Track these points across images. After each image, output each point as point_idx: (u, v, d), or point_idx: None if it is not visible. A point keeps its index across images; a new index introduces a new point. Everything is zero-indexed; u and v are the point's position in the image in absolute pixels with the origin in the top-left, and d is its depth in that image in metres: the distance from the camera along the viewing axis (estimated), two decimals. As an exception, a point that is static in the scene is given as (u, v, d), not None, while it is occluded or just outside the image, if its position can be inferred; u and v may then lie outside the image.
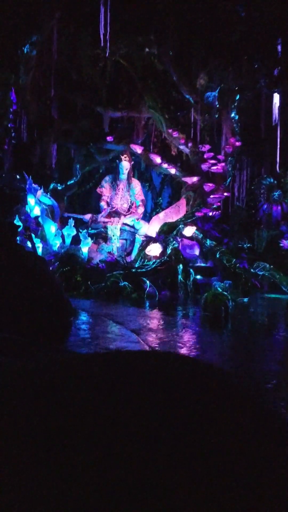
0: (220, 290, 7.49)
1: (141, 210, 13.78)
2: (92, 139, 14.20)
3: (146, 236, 12.68)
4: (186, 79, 10.75)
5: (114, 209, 13.54)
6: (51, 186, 13.80)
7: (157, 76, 13.03)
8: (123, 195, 13.62)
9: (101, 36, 9.02)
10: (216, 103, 10.81)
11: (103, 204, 13.75)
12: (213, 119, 11.72)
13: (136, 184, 14.07)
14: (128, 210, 13.79)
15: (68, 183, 14.30)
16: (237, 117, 11.83)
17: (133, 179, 14.12)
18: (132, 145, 14.13)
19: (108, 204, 13.71)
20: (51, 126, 13.60)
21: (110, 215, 13.45)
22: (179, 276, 9.97)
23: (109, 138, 14.15)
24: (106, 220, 13.06)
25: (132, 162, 13.86)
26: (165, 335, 6.22)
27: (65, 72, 12.61)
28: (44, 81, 12.59)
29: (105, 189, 13.84)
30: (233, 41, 9.60)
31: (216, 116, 11.37)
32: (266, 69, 9.64)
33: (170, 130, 13.22)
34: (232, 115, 11.77)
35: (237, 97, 11.28)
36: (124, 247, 13.07)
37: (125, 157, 13.50)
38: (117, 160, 13.95)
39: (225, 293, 7.48)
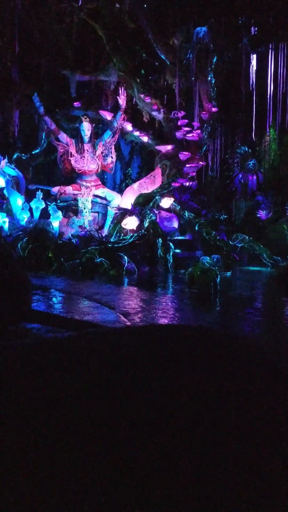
0: (207, 265, 7.01)
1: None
2: (58, 105, 13.22)
3: (119, 208, 12.01)
4: (162, 37, 9.94)
5: (81, 171, 12.67)
6: (15, 155, 12.84)
7: (127, 37, 12.15)
8: (90, 157, 12.72)
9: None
10: (193, 65, 10.08)
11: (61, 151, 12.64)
12: (189, 82, 11.01)
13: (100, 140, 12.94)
14: (110, 170, 13.05)
15: (33, 153, 13.34)
16: (213, 80, 11.16)
17: (96, 139, 13.05)
18: (101, 111, 13.26)
19: (72, 167, 12.72)
20: (13, 90, 12.52)
21: (79, 185, 12.64)
22: (159, 251, 9.43)
23: (76, 104, 13.23)
24: (76, 192, 12.27)
25: (94, 125, 12.91)
26: (156, 315, 5.70)
27: (27, 31, 11.51)
28: (4, 40, 11.47)
29: (69, 140, 12.69)
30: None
31: (193, 79, 10.65)
32: (251, 25, 8.98)
33: (141, 95, 12.44)
34: (209, 78, 11.09)
35: (215, 58, 10.59)
36: (96, 221, 12.36)
37: (85, 118, 12.59)
38: (77, 124, 12.99)
39: (213, 268, 7.00)
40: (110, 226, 11.92)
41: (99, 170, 12.86)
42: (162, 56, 10.46)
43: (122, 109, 12.21)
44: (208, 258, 7.44)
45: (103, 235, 10.73)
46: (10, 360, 0.69)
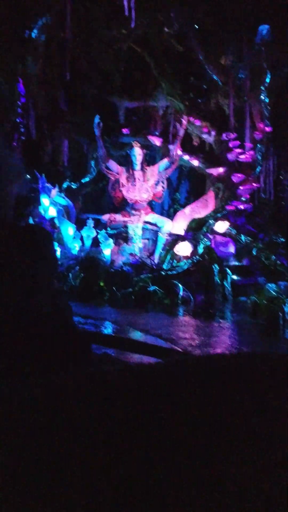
0: (274, 293, 6.44)
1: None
2: (106, 132, 13.15)
3: (170, 234, 11.63)
4: (213, 57, 9.66)
5: (133, 201, 12.38)
6: (65, 184, 12.78)
7: (175, 60, 11.99)
8: (141, 185, 12.42)
9: (125, 3, 7.92)
10: (248, 83, 9.70)
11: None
12: (242, 102, 10.63)
13: (154, 168, 12.59)
14: (159, 200, 12.72)
15: (83, 181, 13.26)
16: (267, 99, 10.73)
17: (147, 166, 12.69)
18: (150, 137, 13.07)
19: (122, 197, 12.45)
20: (61, 119, 12.58)
21: (128, 212, 12.37)
22: (215, 278, 8.91)
23: (125, 131, 13.11)
24: (125, 219, 12.00)
25: (145, 151, 12.64)
26: (221, 351, 5.18)
27: (75, 59, 11.56)
28: (53, 70, 11.56)
29: (119, 169, 12.43)
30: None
31: (245, 98, 10.27)
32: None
33: (191, 118, 12.17)
34: (262, 97, 10.67)
35: (268, 76, 10.18)
36: (146, 247, 12.00)
37: (136, 143, 12.33)
38: (127, 150, 12.75)
39: (281, 296, 6.42)
40: (161, 252, 11.54)
41: (150, 198, 12.54)
42: (214, 77, 10.15)
43: (179, 138, 11.91)
44: (275, 285, 6.87)
45: (155, 262, 10.34)
46: (102, 387, 0.65)
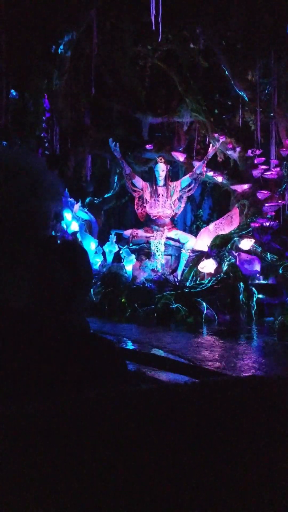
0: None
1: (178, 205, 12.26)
2: (130, 148, 13.11)
3: (193, 250, 11.41)
4: (240, 73, 9.54)
5: (156, 216, 12.22)
6: (88, 199, 12.75)
7: (200, 77, 11.93)
8: (165, 201, 12.26)
9: (152, 18, 7.88)
10: (276, 99, 9.53)
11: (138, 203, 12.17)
12: (268, 118, 10.45)
13: (177, 185, 12.43)
14: (174, 217, 12.47)
15: (105, 196, 13.21)
16: (294, 115, 10.53)
17: (171, 182, 12.51)
18: (174, 153, 12.99)
19: (146, 213, 12.30)
20: (85, 135, 12.60)
21: (151, 227, 12.21)
22: (241, 296, 8.63)
23: (148, 146, 13.05)
24: (148, 234, 11.84)
25: (169, 166, 12.48)
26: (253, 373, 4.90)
27: (99, 75, 11.60)
28: (78, 86, 11.61)
29: (144, 185, 12.26)
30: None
31: (271, 114, 10.09)
32: None
33: (216, 135, 12.03)
34: (289, 113, 10.47)
35: (296, 92, 10.00)
36: (169, 264, 11.80)
37: (161, 159, 12.18)
38: (151, 165, 12.61)
39: (312, 318, 6.13)
40: (184, 269, 11.32)
41: (173, 214, 12.37)
42: (241, 93, 10.01)
43: (207, 158, 11.76)
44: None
45: (177, 278, 10.11)
46: (140, 405, 0.62)
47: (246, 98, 10.07)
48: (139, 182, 12.26)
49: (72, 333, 0.85)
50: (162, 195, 12.24)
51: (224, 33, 8.80)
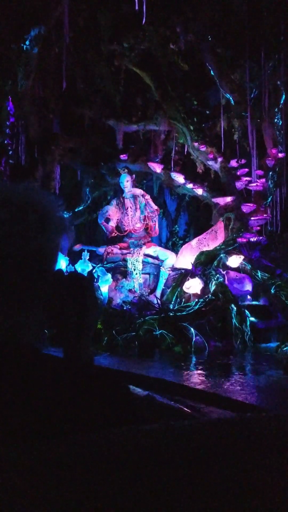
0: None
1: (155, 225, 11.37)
2: (103, 158, 12.11)
3: (173, 268, 10.43)
4: (227, 74, 8.71)
5: (126, 232, 11.26)
6: (57, 213, 11.59)
7: (178, 82, 11.10)
8: (133, 214, 11.30)
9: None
10: (266, 103, 8.72)
11: (110, 229, 11.28)
12: (253, 125, 9.68)
13: (146, 196, 11.48)
14: (145, 230, 11.43)
15: (76, 210, 12.11)
16: (280, 122, 9.79)
17: (135, 190, 11.50)
18: (150, 163, 12.06)
19: (119, 229, 11.36)
20: (54, 143, 11.52)
21: (125, 242, 11.19)
22: (233, 320, 7.64)
23: (122, 157, 12.08)
24: (124, 251, 10.80)
25: (134, 176, 11.52)
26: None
27: (70, 77, 10.57)
28: (46, 89, 10.56)
29: (112, 213, 11.37)
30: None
31: (258, 120, 9.31)
32: None
33: (196, 144, 11.19)
34: (276, 120, 9.73)
35: (283, 97, 9.26)
36: (147, 283, 10.76)
37: (123, 169, 11.24)
38: (117, 178, 11.63)
39: None
40: (163, 289, 10.33)
41: (144, 227, 11.41)
42: (227, 95, 9.17)
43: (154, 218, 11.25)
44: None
45: (159, 300, 9.07)
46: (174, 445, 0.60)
47: (232, 101, 9.23)
48: (111, 213, 11.26)
49: (80, 368, 0.86)
50: (130, 208, 11.29)
51: (213, 28, 7.96)
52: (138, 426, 0.67)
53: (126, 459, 0.57)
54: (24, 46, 8.86)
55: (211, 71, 8.84)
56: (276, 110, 9.57)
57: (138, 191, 11.30)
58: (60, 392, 0.75)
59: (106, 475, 0.55)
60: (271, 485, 0.58)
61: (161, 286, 10.55)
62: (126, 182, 11.10)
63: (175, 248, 13.69)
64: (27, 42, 8.79)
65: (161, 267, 10.75)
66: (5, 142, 10.36)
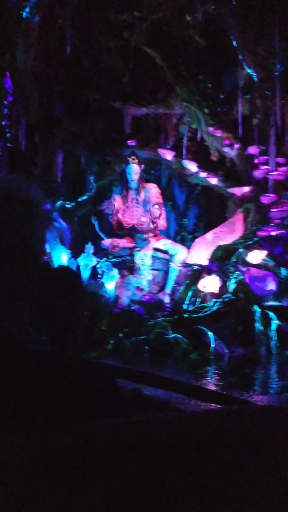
0: None
1: (161, 217, 10.51)
2: (109, 144, 11.17)
3: (185, 264, 9.54)
4: (252, 44, 7.76)
5: (129, 226, 10.37)
6: (58, 203, 10.69)
7: (192, 62, 10.16)
8: (137, 206, 10.42)
9: None
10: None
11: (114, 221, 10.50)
12: (274, 108, 8.75)
13: (152, 187, 10.71)
14: (153, 224, 10.51)
15: (79, 200, 11.19)
16: (306, 104, 8.86)
17: (145, 183, 10.72)
18: (160, 150, 11.11)
19: (121, 224, 10.49)
20: (57, 127, 10.59)
21: (133, 236, 10.31)
22: (257, 324, 6.73)
23: (130, 142, 11.12)
24: (131, 245, 9.92)
25: (143, 166, 10.65)
26: None
27: (74, 55, 9.63)
28: (48, 66, 9.63)
29: (117, 204, 10.56)
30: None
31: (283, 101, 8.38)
32: None
33: (210, 129, 10.26)
34: (301, 101, 8.79)
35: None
36: (156, 280, 9.86)
37: (133, 159, 10.35)
38: (123, 165, 10.73)
39: None
40: (174, 286, 9.44)
41: (150, 221, 10.48)
42: (249, 71, 8.23)
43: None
44: None
45: (171, 300, 8.17)
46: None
47: (256, 78, 8.28)
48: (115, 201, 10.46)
49: (69, 361, 0.86)
50: (134, 200, 10.39)
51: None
52: (124, 418, 0.68)
53: (108, 452, 0.56)
54: (24, 14, 7.94)
55: (234, 42, 7.86)
56: (302, 90, 8.60)
57: (149, 185, 10.56)
58: (45, 385, 0.75)
59: (88, 468, 0.54)
60: (256, 476, 0.58)
61: (171, 283, 9.65)
62: (135, 175, 10.25)
63: (184, 243, 12.77)
64: (27, 9, 7.86)
65: (170, 263, 9.86)
66: (3, 123, 9.48)
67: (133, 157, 10.42)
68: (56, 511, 0.53)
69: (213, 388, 5.23)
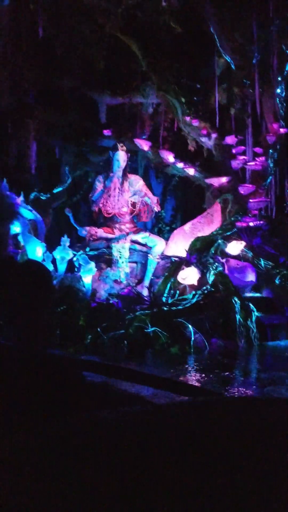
0: None
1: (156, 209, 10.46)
2: (84, 134, 10.91)
3: (163, 256, 9.41)
4: (228, 31, 7.59)
5: (110, 215, 10.18)
6: (32, 195, 10.40)
7: (167, 49, 9.95)
8: (120, 195, 10.22)
9: None
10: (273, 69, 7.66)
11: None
12: (252, 96, 8.64)
13: (137, 179, 10.60)
14: (131, 214, 10.35)
15: (55, 191, 10.91)
16: (284, 94, 8.77)
17: (130, 174, 10.62)
18: (137, 140, 10.89)
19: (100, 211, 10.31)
20: (30, 116, 10.26)
21: (109, 226, 10.12)
22: (237, 316, 6.64)
23: (106, 132, 10.90)
24: (109, 235, 9.72)
25: (129, 155, 10.51)
26: None
27: (47, 42, 9.31)
28: (19, 53, 9.28)
29: (99, 190, 10.35)
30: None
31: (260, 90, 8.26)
32: None
33: (187, 118, 10.10)
34: (278, 91, 8.70)
35: (288, 65, 8.22)
36: (134, 273, 9.71)
37: (122, 146, 10.18)
38: (110, 152, 10.49)
39: None
40: (152, 278, 9.31)
41: (130, 212, 10.34)
42: (227, 58, 8.08)
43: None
44: None
45: (151, 292, 8.02)
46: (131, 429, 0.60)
47: (233, 66, 8.13)
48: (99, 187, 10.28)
49: (35, 355, 0.84)
50: (118, 188, 10.18)
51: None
52: (92, 412, 0.68)
53: (73, 448, 0.56)
54: (-7, -3, 7.61)
55: (211, 28, 7.68)
56: (279, 79, 8.51)
57: (134, 176, 10.45)
58: (9, 379, 0.74)
59: (57, 464, 0.54)
60: (224, 466, 0.57)
61: (149, 276, 9.51)
62: (123, 162, 10.10)
63: (161, 234, 12.65)
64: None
65: (149, 255, 9.71)
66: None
67: (121, 144, 10.22)
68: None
69: (193, 381, 5.12)
